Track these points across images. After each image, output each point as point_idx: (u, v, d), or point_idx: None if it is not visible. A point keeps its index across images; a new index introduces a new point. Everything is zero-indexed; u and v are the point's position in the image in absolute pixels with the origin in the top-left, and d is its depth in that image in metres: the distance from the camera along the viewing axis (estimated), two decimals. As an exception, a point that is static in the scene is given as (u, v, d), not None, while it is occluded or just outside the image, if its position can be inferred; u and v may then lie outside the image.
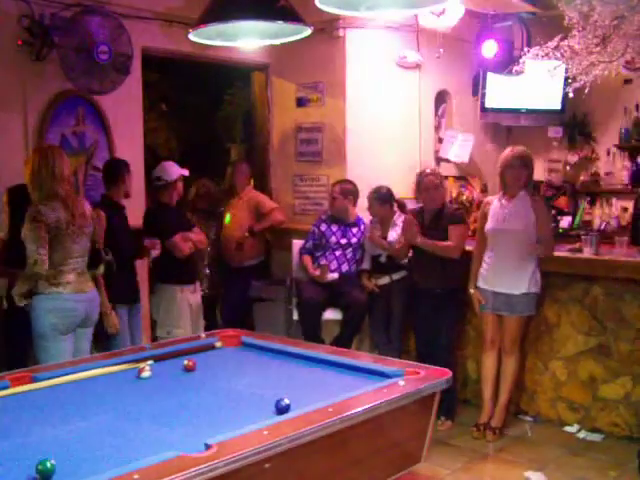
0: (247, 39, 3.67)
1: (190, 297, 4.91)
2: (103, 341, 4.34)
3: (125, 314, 4.51)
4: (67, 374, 2.93)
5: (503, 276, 4.46)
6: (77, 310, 3.87)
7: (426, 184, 4.85)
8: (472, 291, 4.62)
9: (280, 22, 3.26)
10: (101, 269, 4.10)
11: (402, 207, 5.25)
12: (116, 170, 4.61)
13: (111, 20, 4.92)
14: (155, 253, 4.71)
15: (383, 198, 5.17)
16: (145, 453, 2.02)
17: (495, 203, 4.57)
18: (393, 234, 5.10)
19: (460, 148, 6.43)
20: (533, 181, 4.75)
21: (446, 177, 5.36)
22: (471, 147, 6.45)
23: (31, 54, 4.60)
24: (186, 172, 5.02)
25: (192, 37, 3.47)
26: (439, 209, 4.80)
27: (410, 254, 5.00)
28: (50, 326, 3.79)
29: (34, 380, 2.84)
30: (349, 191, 5.39)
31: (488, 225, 4.54)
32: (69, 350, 3.86)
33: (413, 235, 4.73)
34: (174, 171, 4.92)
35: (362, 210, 5.45)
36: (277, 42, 3.73)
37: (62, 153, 3.96)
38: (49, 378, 2.87)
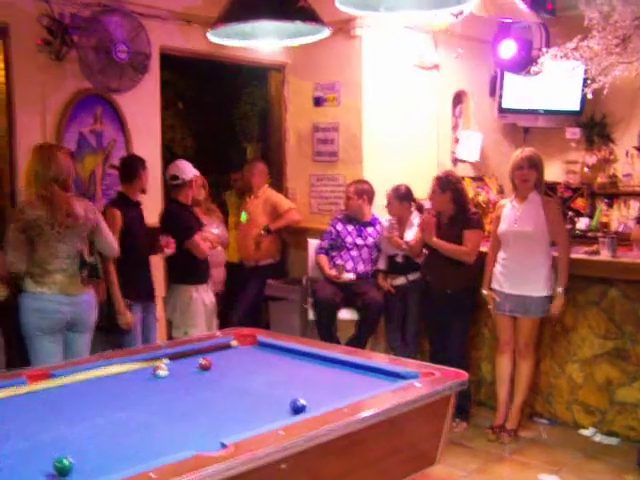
0: (265, 39, 3.66)
1: (205, 296, 4.91)
2: (115, 338, 4.38)
3: (139, 312, 4.51)
4: (84, 371, 2.94)
5: (517, 278, 4.45)
6: (61, 312, 3.84)
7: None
8: (485, 292, 4.61)
9: (299, 23, 3.24)
10: (84, 273, 4.02)
11: (420, 208, 5.24)
12: (131, 167, 4.59)
13: (130, 19, 4.95)
14: (168, 252, 4.70)
15: (402, 196, 5.17)
16: (161, 452, 2.03)
17: (507, 205, 4.56)
18: (410, 234, 5.09)
19: (470, 147, 6.42)
20: (544, 182, 4.69)
21: (462, 178, 5.32)
22: (480, 145, 6.42)
23: (50, 53, 4.64)
24: (198, 172, 5.01)
25: (210, 37, 3.47)
26: (455, 212, 4.77)
27: (425, 253, 4.99)
28: (33, 326, 3.81)
29: (51, 377, 2.86)
30: (364, 191, 5.39)
31: (500, 227, 4.54)
32: (56, 352, 3.85)
33: (429, 234, 4.71)
34: (190, 170, 4.92)
35: (378, 210, 5.44)
36: (296, 43, 3.72)
37: (54, 152, 3.91)
38: (66, 375, 2.88)
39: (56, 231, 3.81)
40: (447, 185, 4.74)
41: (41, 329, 3.81)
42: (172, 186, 4.91)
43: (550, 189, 6.56)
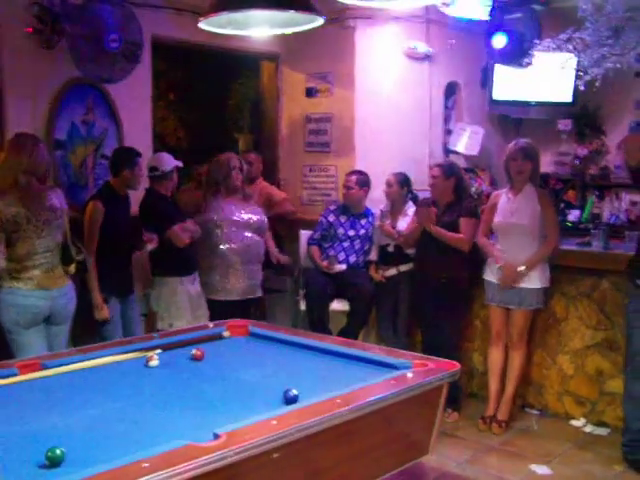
0: (259, 28, 3.64)
1: (190, 288, 4.87)
2: (94, 330, 4.35)
3: (117, 305, 4.47)
4: (75, 362, 2.93)
5: (511, 269, 4.45)
6: (38, 307, 3.79)
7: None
8: (502, 264, 4.45)
9: (292, 11, 3.24)
10: (72, 269, 3.99)
11: (415, 199, 5.25)
12: (118, 160, 4.52)
13: (121, 8, 4.92)
14: (151, 247, 4.65)
15: (403, 181, 5.20)
16: (154, 442, 2.02)
17: (503, 197, 4.57)
18: (403, 224, 5.10)
19: (470, 140, 6.42)
20: (540, 174, 4.69)
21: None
22: (481, 140, 6.43)
23: (41, 42, 4.59)
24: (180, 164, 4.96)
25: (203, 25, 3.45)
26: (453, 200, 4.78)
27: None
28: (11, 321, 3.77)
29: (43, 367, 2.85)
30: (364, 182, 5.38)
31: (496, 218, 4.54)
32: (38, 343, 3.81)
33: (429, 220, 4.71)
34: (169, 161, 4.86)
35: (371, 201, 5.44)
36: (289, 31, 3.71)
37: (32, 143, 3.83)
38: (58, 366, 2.88)
39: (34, 226, 3.75)
40: (451, 172, 4.78)
41: (19, 324, 3.77)
42: (151, 177, 4.85)
43: (542, 181, 6.57)
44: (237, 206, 5.03)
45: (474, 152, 6.45)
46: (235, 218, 4.96)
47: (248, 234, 4.99)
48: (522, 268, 4.37)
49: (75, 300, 4.05)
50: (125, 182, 4.49)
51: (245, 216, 5.01)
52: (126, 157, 4.52)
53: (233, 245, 4.92)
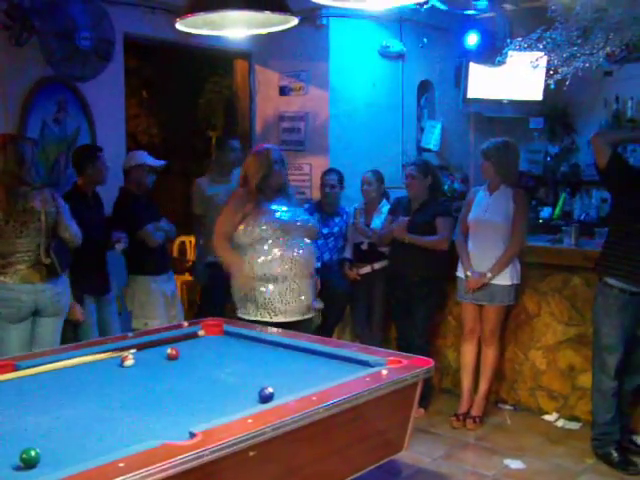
0: (234, 28, 3.64)
1: (164, 287, 4.86)
2: (70, 331, 4.33)
3: (93, 304, 4.46)
4: (50, 362, 2.92)
5: (482, 266, 4.48)
6: (22, 300, 3.80)
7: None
8: (469, 274, 4.50)
9: (267, 12, 3.24)
10: (44, 273, 3.92)
11: (387, 196, 5.28)
12: (80, 159, 4.49)
13: (93, 5, 4.86)
14: (120, 247, 4.61)
15: (380, 178, 5.21)
16: (130, 442, 2.03)
17: (480, 193, 4.61)
18: (377, 221, 5.12)
19: (433, 136, 6.51)
20: (512, 175, 4.60)
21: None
22: (439, 133, 6.49)
23: (10, 38, 4.53)
24: (161, 162, 4.89)
25: (179, 26, 3.44)
26: (428, 199, 4.81)
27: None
28: None
29: (17, 368, 2.83)
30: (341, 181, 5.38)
31: (470, 214, 4.58)
32: (22, 338, 3.81)
33: (403, 234, 4.73)
34: (137, 158, 4.80)
35: (345, 199, 5.46)
36: (264, 32, 3.71)
37: (8, 143, 3.82)
38: (32, 366, 2.86)
39: (12, 226, 3.75)
40: (428, 170, 4.81)
41: (3, 318, 3.77)
42: (124, 176, 4.84)
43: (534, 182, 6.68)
44: (285, 207, 4.20)
45: (437, 147, 6.51)
46: (285, 222, 4.11)
47: (303, 241, 4.17)
48: (488, 275, 4.43)
49: (67, 295, 4.04)
50: (90, 179, 4.47)
51: (297, 219, 4.19)
52: (86, 154, 4.51)
53: (286, 255, 4.05)
